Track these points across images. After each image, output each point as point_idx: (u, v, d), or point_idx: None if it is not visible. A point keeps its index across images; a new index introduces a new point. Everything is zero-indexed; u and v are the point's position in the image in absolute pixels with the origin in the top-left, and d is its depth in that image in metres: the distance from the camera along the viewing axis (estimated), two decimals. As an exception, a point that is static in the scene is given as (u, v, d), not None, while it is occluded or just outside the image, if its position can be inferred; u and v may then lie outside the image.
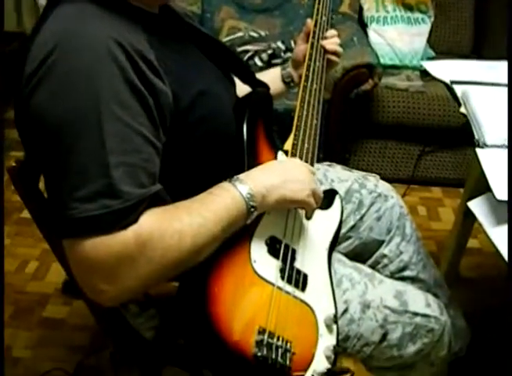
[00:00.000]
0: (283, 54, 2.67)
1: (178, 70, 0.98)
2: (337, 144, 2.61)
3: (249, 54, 2.68)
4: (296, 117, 1.20)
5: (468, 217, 1.81)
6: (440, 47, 3.08)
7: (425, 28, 3.02)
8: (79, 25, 0.88)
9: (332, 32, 1.40)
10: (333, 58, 1.39)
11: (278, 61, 2.67)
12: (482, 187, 1.24)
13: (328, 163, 1.58)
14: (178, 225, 0.88)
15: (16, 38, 3.34)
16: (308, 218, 1.13)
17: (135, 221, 0.85)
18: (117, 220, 0.83)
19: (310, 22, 1.38)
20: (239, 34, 2.81)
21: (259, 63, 2.64)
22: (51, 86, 0.85)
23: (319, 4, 1.41)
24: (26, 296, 2.14)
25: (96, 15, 0.90)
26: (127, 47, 0.87)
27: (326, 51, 1.37)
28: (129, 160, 0.86)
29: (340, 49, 1.40)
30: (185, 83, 0.99)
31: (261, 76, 1.46)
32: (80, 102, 0.84)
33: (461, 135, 2.58)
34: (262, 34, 2.82)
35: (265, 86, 1.28)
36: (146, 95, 0.88)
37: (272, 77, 1.44)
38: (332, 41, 1.38)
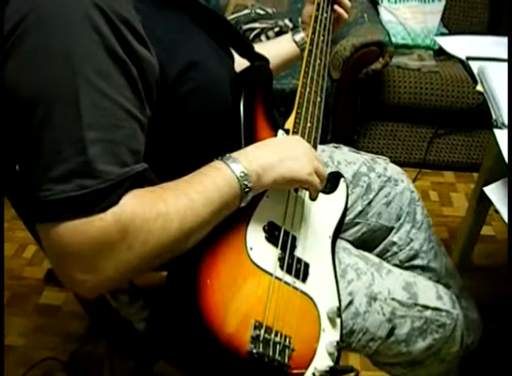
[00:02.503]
0: (290, 32, 2.60)
1: (166, 39, 0.91)
2: (345, 125, 2.57)
3: (255, 32, 2.64)
4: (298, 94, 1.14)
5: (482, 203, 1.77)
6: (454, 26, 3.03)
7: (439, 6, 2.96)
8: None
9: None
10: (341, 10, 1.35)
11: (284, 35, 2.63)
12: (498, 172, 1.20)
13: (335, 145, 1.52)
14: (162, 207, 0.81)
15: None
16: (313, 199, 1.07)
17: (116, 203, 0.78)
18: (94, 202, 0.76)
19: None
20: (246, 11, 2.77)
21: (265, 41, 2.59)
22: (24, 54, 0.78)
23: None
24: (22, 282, 2.11)
25: None
26: (108, 12, 0.79)
27: (333, 2, 1.33)
28: (109, 136, 0.78)
29: (347, 2, 1.36)
30: (174, 53, 0.92)
31: (272, 42, 1.47)
32: (54, 72, 0.76)
33: (475, 118, 2.60)
34: (269, 11, 2.79)
35: (264, 60, 1.21)
36: (128, 64, 0.80)
37: (284, 42, 1.43)
38: None
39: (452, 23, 3.03)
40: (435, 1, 2.95)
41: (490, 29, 3.05)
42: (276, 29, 2.64)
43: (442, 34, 2.89)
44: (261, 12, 2.76)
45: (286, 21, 2.69)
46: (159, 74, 0.87)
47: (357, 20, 2.58)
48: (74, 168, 0.76)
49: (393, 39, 2.75)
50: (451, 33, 2.96)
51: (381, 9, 2.90)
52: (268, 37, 2.61)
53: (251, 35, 2.62)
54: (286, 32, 2.56)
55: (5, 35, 0.78)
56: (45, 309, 1.99)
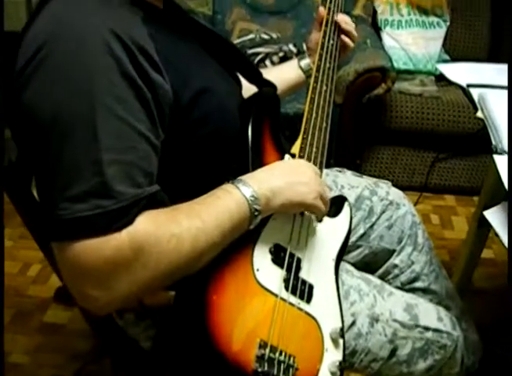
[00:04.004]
0: (294, 57, 2.62)
1: (179, 65, 0.94)
2: (348, 150, 2.59)
3: (260, 56, 2.65)
4: (304, 120, 1.16)
5: (482, 226, 1.77)
6: (455, 52, 3.06)
7: (440, 32, 3.00)
8: (73, 15, 0.84)
9: (346, 16, 1.37)
10: (347, 40, 1.36)
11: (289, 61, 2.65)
12: (498, 196, 1.22)
13: (338, 169, 1.54)
14: (176, 228, 0.84)
15: None
16: (319, 221, 1.09)
17: (130, 223, 0.80)
18: (110, 222, 0.79)
19: (323, 10, 1.34)
20: (251, 36, 2.79)
21: (270, 66, 2.61)
22: (43, 79, 0.81)
23: (330, 3, 1.37)
24: (27, 300, 2.11)
25: (93, 4, 0.86)
26: (124, 38, 0.83)
27: (339, 31, 1.34)
28: (124, 158, 0.81)
29: (354, 32, 1.37)
30: (186, 79, 0.94)
31: (279, 67, 1.48)
32: (73, 95, 0.80)
33: (476, 142, 2.59)
34: (274, 36, 2.81)
35: (272, 86, 1.23)
36: (143, 89, 0.84)
37: (290, 67, 1.43)
38: (346, 19, 1.35)
39: (453, 49, 3.05)
40: (437, 28, 2.99)
41: (491, 55, 3.08)
42: (281, 54, 2.65)
43: (444, 61, 2.91)
44: (266, 37, 2.77)
45: (291, 46, 2.71)
46: (172, 100, 0.89)
47: (360, 46, 2.60)
48: (91, 189, 0.78)
49: (395, 64, 2.76)
50: (452, 58, 2.99)
51: (384, 35, 2.94)
52: (272, 62, 2.62)
53: (256, 60, 2.63)
54: (290, 57, 2.59)
55: (27, 60, 0.82)
56: (49, 328, 1.99)
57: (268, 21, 2.92)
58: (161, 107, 0.87)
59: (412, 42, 2.92)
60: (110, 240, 0.79)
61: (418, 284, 1.37)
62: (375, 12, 2.99)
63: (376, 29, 2.97)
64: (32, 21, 0.87)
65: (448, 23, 3.01)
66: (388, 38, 2.93)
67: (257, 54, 2.65)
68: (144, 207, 0.82)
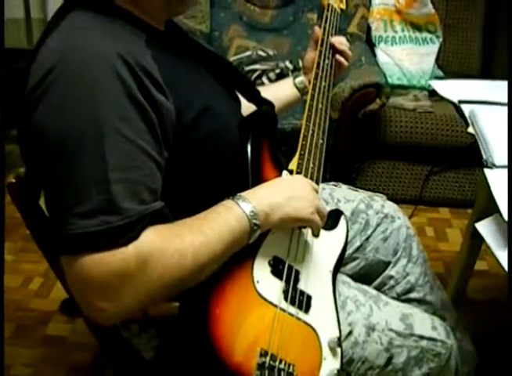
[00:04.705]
0: (290, 73, 2.66)
1: (181, 86, 0.97)
2: (344, 164, 2.61)
3: (257, 73, 2.68)
4: (301, 137, 1.19)
5: (476, 238, 1.76)
6: (448, 67, 3.09)
7: (433, 48, 3.04)
8: (83, 39, 0.88)
9: (341, 37, 1.42)
10: (342, 59, 1.39)
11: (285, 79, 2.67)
12: (491, 208, 1.22)
13: (334, 183, 1.57)
14: (179, 243, 0.87)
15: (28, 55, 3.43)
16: (316, 235, 1.12)
17: (136, 238, 0.84)
18: (116, 237, 0.82)
19: (318, 29, 1.39)
20: (248, 53, 2.82)
21: (267, 82, 2.64)
22: (53, 100, 0.85)
23: (325, 23, 1.42)
24: (29, 313, 2.12)
25: (101, 28, 0.90)
26: (131, 62, 0.87)
27: (334, 51, 1.38)
28: (130, 177, 0.85)
29: (349, 52, 1.40)
30: (188, 100, 0.98)
31: (275, 85, 1.50)
32: (81, 117, 0.83)
33: (469, 156, 2.60)
34: (270, 53, 2.83)
35: (270, 104, 1.27)
36: (149, 110, 0.87)
37: (285, 86, 1.46)
38: (341, 40, 1.39)
39: (446, 65, 3.09)
40: (429, 44, 3.02)
41: (483, 70, 3.12)
42: (277, 70, 2.67)
43: (437, 78, 2.93)
44: (263, 54, 2.80)
45: (287, 63, 2.73)
46: (175, 120, 0.93)
47: (355, 63, 2.63)
48: (98, 205, 0.82)
49: (389, 80, 2.82)
50: (445, 73, 3.02)
51: (378, 51, 2.98)
52: (269, 79, 2.65)
53: (253, 76, 2.66)
54: (287, 74, 2.62)
55: (36, 83, 0.86)
56: (51, 340, 2.00)
57: (264, 38, 2.95)
58: (165, 127, 0.91)
59: (405, 58, 2.96)
60: (117, 254, 0.82)
61: (413, 295, 1.40)
62: (369, 28, 3.02)
63: (371, 45, 3.00)
64: (44, 41, 0.91)
65: (441, 39, 3.05)
66: (382, 54, 2.97)
67: (255, 71, 2.68)
68: (149, 222, 0.86)
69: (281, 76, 2.65)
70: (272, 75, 2.66)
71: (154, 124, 0.88)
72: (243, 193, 0.98)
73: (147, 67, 0.89)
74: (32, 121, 0.87)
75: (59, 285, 2.17)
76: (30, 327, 2.06)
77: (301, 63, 2.45)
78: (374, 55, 2.96)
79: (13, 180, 1.00)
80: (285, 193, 1.03)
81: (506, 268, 1.08)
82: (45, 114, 0.85)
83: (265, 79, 2.65)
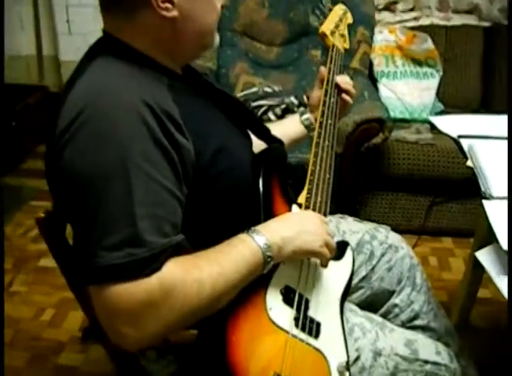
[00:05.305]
0: (296, 109, 2.69)
1: (199, 127, 1.03)
2: (348, 196, 2.63)
3: (263, 109, 2.70)
4: (309, 172, 1.24)
5: (478, 267, 1.76)
6: (449, 101, 3.13)
7: (434, 82, 3.09)
8: (108, 85, 0.95)
9: (345, 76, 1.47)
10: (347, 98, 1.44)
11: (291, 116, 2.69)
12: (491, 237, 1.26)
13: (340, 215, 1.61)
14: (198, 274, 0.93)
15: (39, 90, 3.55)
16: (324, 266, 1.16)
17: (159, 269, 0.90)
18: (141, 268, 0.88)
19: (324, 69, 1.43)
20: (254, 89, 2.85)
21: (273, 118, 2.67)
22: (81, 143, 0.91)
23: (330, 63, 1.47)
24: (41, 343, 2.15)
25: (127, 74, 0.97)
26: (154, 107, 0.93)
27: (339, 90, 1.42)
28: (154, 212, 0.91)
29: (353, 90, 1.45)
30: (206, 140, 1.04)
31: (282, 123, 1.54)
32: (109, 159, 0.90)
33: (470, 186, 2.53)
34: (276, 89, 2.86)
35: (279, 142, 1.33)
36: (171, 151, 0.94)
37: (292, 123, 1.50)
38: (346, 79, 1.44)
39: (446, 98, 3.12)
40: (430, 78, 3.08)
41: (483, 103, 3.16)
42: (283, 106, 2.70)
43: (437, 113, 2.96)
44: (269, 90, 2.83)
45: (292, 98, 2.75)
46: (194, 159, 0.99)
47: (358, 98, 2.66)
48: (125, 239, 0.88)
49: (392, 113, 2.86)
50: (446, 107, 3.06)
51: (380, 86, 3.04)
52: (275, 114, 2.68)
53: (260, 112, 2.69)
54: (292, 109, 2.65)
55: (64, 127, 0.93)
56: (63, 370, 2.02)
57: (270, 74, 3.01)
58: (185, 166, 0.97)
59: (407, 92, 3.00)
60: (141, 284, 0.88)
61: (418, 322, 1.43)
62: (371, 64, 3.09)
63: (373, 80, 3.06)
64: (75, 79, 0.98)
65: (441, 73, 3.11)
66: (385, 89, 3.02)
67: (261, 106, 2.70)
68: (171, 254, 0.92)
69: (286, 111, 2.68)
70: (277, 110, 2.69)
71: (176, 164, 0.95)
72: (257, 227, 1.04)
73: (169, 111, 0.96)
74: (61, 161, 0.93)
75: (71, 316, 2.21)
76: (43, 356, 2.08)
77: (305, 99, 2.50)
78: (376, 89, 3.00)
79: (42, 215, 1.06)
80: (296, 227, 1.08)
81: (505, 295, 1.13)
82: (74, 156, 0.91)
83: (271, 114, 2.68)
